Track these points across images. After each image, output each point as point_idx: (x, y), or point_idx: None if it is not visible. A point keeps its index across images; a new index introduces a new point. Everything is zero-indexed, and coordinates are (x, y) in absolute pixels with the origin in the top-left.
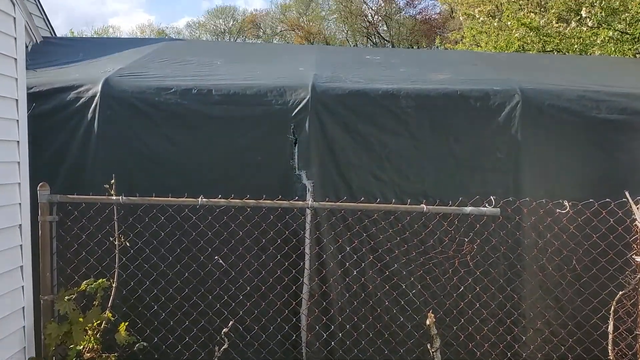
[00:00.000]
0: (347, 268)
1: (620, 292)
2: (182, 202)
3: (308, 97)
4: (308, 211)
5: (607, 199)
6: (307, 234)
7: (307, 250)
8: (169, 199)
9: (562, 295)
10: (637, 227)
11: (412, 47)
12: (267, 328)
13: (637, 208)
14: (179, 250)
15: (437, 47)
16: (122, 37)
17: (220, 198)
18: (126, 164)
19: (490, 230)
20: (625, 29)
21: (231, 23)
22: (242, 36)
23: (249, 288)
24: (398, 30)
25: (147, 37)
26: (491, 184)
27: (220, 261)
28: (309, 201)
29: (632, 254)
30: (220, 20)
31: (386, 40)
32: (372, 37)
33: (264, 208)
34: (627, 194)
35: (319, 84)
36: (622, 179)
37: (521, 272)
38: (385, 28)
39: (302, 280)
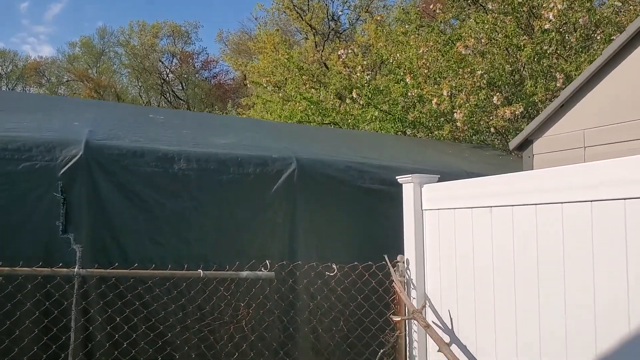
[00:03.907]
0: (116, 340)
1: (381, 350)
2: None
3: (80, 154)
4: (75, 279)
5: (369, 262)
6: (73, 305)
7: (72, 322)
8: None
9: (332, 357)
10: (395, 288)
11: (207, 109)
12: None
13: (394, 270)
14: None
15: (229, 111)
16: None
17: None
18: None
19: (265, 294)
20: (389, 109)
21: (10, 68)
22: (23, 83)
23: None
24: (193, 92)
25: None
26: (269, 248)
27: None
28: (76, 268)
29: (391, 314)
30: None
31: (182, 100)
32: (167, 95)
33: (20, 276)
34: (386, 257)
35: (93, 140)
36: (385, 243)
37: (294, 335)
38: (181, 88)
39: (64, 356)
